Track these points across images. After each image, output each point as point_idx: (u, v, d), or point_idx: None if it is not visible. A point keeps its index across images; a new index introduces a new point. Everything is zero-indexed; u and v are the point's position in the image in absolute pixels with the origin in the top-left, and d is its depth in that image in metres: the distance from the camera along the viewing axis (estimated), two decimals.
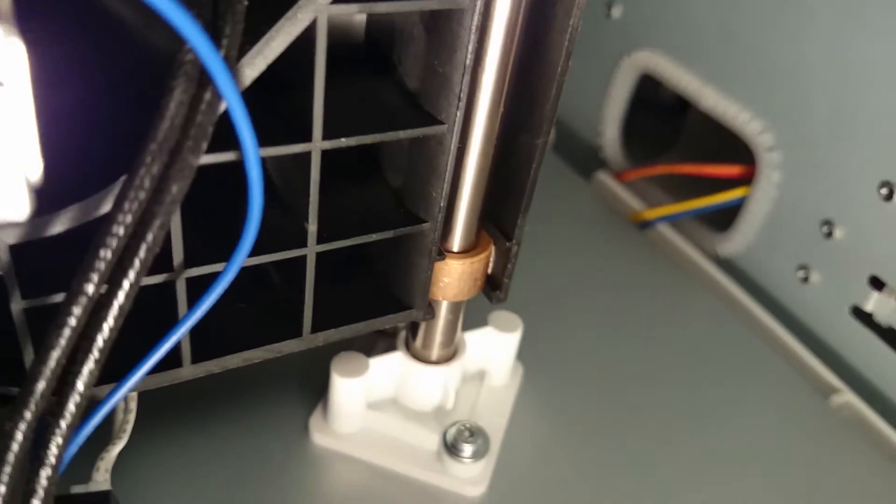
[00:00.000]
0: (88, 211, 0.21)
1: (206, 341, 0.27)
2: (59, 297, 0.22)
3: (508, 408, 0.37)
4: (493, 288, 0.32)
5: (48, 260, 0.23)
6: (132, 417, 0.28)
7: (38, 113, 0.15)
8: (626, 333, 0.45)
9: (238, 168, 0.22)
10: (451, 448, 0.34)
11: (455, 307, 0.33)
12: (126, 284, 0.19)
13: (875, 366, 0.44)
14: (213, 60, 0.18)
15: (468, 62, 0.24)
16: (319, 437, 0.35)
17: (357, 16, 0.29)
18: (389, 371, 0.34)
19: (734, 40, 0.48)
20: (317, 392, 0.37)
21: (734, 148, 0.50)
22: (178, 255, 0.24)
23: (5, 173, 0.15)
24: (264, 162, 0.28)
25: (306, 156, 0.24)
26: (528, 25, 0.26)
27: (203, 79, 0.19)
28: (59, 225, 0.21)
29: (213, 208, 0.27)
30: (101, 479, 0.29)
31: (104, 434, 0.29)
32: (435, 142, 0.26)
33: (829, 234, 0.45)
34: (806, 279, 0.47)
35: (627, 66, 0.55)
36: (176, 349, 0.27)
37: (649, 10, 0.53)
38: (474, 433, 0.34)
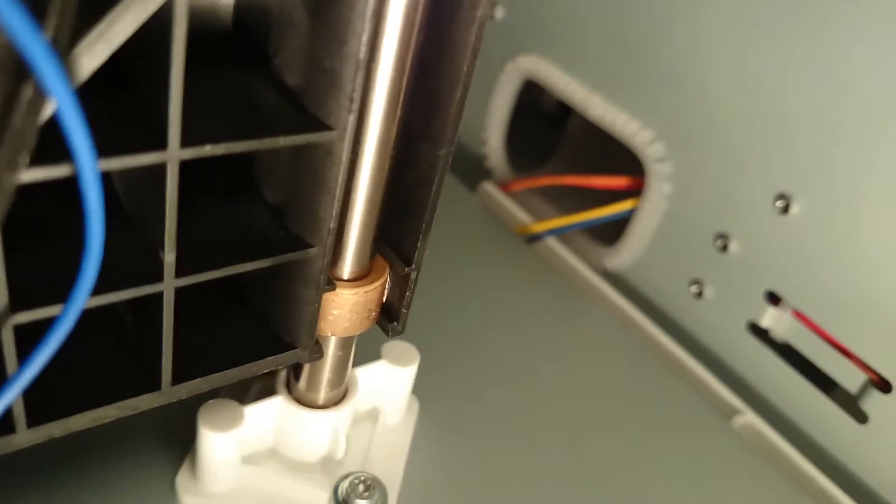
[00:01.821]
0: None
1: (44, 399, 0.22)
2: None
3: (405, 450, 0.33)
4: (388, 319, 0.28)
5: None
6: None
7: None
8: (519, 355, 0.42)
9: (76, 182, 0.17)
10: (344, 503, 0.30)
11: (345, 343, 0.29)
12: None
13: (773, 382, 0.43)
14: (34, 45, 0.14)
15: (362, 55, 0.20)
16: (189, 498, 0.30)
17: None
18: (268, 419, 0.30)
19: (623, 46, 0.46)
20: (184, 444, 0.31)
21: (618, 157, 0.48)
22: (1, 297, 0.19)
23: None
24: (108, 177, 0.23)
25: (161, 168, 0.20)
26: (428, 17, 0.22)
27: (22, 70, 0.14)
28: None
29: (50, 231, 0.22)
30: None
31: None
32: (323, 151, 0.22)
33: (724, 248, 0.43)
34: (700, 294, 0.45)
35: (511, 71, 0.52)
36: (7, 412, 0.21)
37: (534, 12, 0.51)
38: (369, 487, 0.30)
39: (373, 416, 0.34)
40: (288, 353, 0.26)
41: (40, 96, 0.15)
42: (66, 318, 0.18)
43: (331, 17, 0.20)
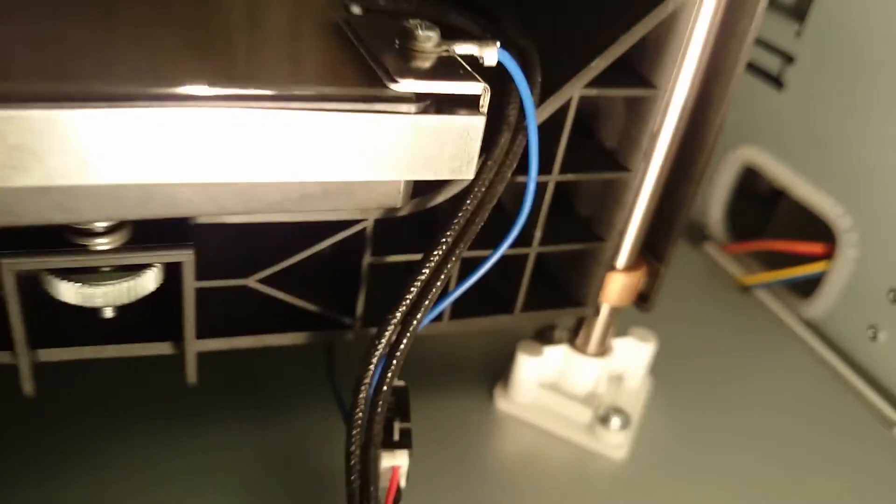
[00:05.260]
0: (423, 202, 0.36)
1: (458, 305, 0.42)
2: (393, 258, 0.37)
3: (642, 402, 0.51)
4: (643, 301, 0.46)
5: (386, 234, 0.38)
6: None
7: None
8: (728, 376, 0.57)
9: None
10: (603, 420, 0.47)
11: (613, 312, 0.47)
12: (458, 253, 0.34)
13: None
14: (532, 119, 0.34)
15: (655, 129, 0.39)
16: (502, 402, 0.49)
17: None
18: (557, 359, 0.48)
19: (822, 139, 0.62)
20: (493, 375, 0.51)
21: (818, 231, 0.64)
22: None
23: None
24: None
25: (544, 185, 0.39)
26: (690, 116, 0.41)
27: (518, 126, 0.34)
28: (404, 210, 0.36)
29: None
30: None
31: None
32: (622, 184, 0.41)
33: (894, 301, 0.58)
34: (874, 337, 0.59)
35: (732, 159, 0.69)
36: (442, 312, 0.41)
37: (753, 111, 0.68)
38: (619, 411, 0.48)
39: (620, 379, 0.51)
40: (580, 308, 0.45)
41: (524, 139, 0.34)
42: (494, 257, 0.37)
43: (640, 110, 0.39)
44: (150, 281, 0.32)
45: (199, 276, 0.33)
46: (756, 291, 0.67)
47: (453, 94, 0.28)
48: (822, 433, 0.54)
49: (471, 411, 0.49)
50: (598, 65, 0.37)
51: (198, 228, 0.33)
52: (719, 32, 0.39)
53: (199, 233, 0.33)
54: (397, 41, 0.29)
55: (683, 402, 0.53)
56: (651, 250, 0.45)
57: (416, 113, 0.27)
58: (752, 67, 0.68)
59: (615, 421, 0.47)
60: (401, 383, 0.39)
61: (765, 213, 0.74)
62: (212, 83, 0.25)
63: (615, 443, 0.47)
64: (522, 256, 0.42)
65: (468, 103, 0.28)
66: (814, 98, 0.63)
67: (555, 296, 0.46)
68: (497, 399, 0.49)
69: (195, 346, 0.34)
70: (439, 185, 0.36)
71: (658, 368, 0.53)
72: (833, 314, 0.63)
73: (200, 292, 0.34)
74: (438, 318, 0.41)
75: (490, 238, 0.35)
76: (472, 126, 0.28)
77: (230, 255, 0.37)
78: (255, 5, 0.33)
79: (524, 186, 0.36)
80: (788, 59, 0.65)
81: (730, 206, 0.72)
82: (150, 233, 0.31)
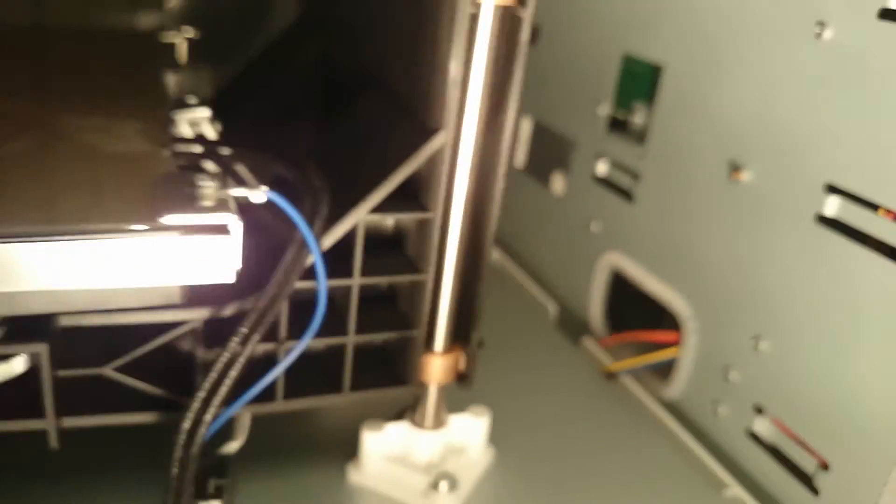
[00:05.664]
0: (243, 305, 0.48)
1: (291, 386, 0.52)
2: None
3: (480, 471, 0.60)
4: (462, 379, 0.57)
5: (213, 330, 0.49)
6: (247, 423, 0.52)
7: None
8: (576, 452, 0.66)
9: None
10: (434, 485, 0.57)
11: (439, 391, 0.57)
12: (253, 342, 0.45)
13: (762, 472, 0.64)
14: (311, 241, 0.45)
15: (434, 244, 0.51)
16: (354, 476, 0.58)
17: (389, 220, 0.56)
18: (399, 433, 0.58)
19: (666, 242, 0.73)
20: (350, 451, 0.60)
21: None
22: (283, 332, 0.50)
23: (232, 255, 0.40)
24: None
25: (348, 287, 0.51)
26: (468, 230, 0.52)
27: (302, 245, 0.46)
28: (229, 311, 0.48)
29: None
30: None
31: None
32: (420, 285, 0.52)
33: (726, 377, 0.67)
34: (715, 412, 0.68)
35: (601, 264, 0.80)
36: (272, 389, 0.52)
37: (614, 222, 0.79)
38: (449, 477, 0.57)
39: (462, 450, 0.61)
40: (405, 386, 0.55)
41: (306, 256, 0.46)
42: (298, 348, 0.48)
43: (423, 228, 0.51)
44: (18, 365, 0.43)
45: (67, 364, 0.45)
46: (622, 378, 0.77)
47: (212, 225, 0.39)
48: (658, 499, 0.62)
49: (326, 485, 0.58)
50: (374, 197, 0.48)
51: (75, 328, 0.45)
52: (479, 168, 0.51)
53: (71, 330, 0.45)
54: (188, 189, 0.41)
55: (524, 472, 0.62)
56: (460, 338, 0.56)
57: (182, 235, 0.39)
58: (612, 185, 0.80)
59: (443, 485, 0.57)
60: (228, 452, 0.50)
61: (646, 308, 0.85)
62: (38, 223, 0.37)
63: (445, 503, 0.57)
64: (343, 345, 0.53)
65: (225, 229, 0.40)
66: (656, 208, 0.74)
67: (386, 376, 0.56)
68: (349, 472, 0.59)
69: (55, 423, 0.45)
70: (255, 290, 0.47)
71: (508, 444, 0.62)
72: (686, 393, 0.72)
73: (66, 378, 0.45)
74: (271, 397, 0.52)
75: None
76: (227, 243, 0.39)
77: (101, 347, 0.48)
78: (99, 163, 0.46)
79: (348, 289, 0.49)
80: (636, 176, 0.77)
81: (607, 304, 0.82)
82: (22, 330, 0.43)
